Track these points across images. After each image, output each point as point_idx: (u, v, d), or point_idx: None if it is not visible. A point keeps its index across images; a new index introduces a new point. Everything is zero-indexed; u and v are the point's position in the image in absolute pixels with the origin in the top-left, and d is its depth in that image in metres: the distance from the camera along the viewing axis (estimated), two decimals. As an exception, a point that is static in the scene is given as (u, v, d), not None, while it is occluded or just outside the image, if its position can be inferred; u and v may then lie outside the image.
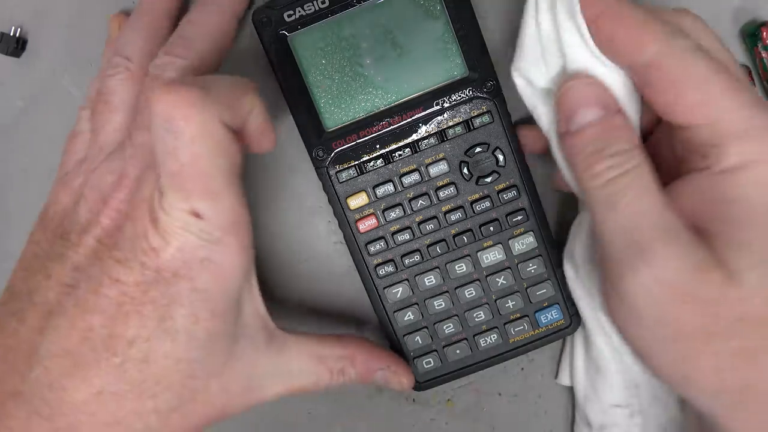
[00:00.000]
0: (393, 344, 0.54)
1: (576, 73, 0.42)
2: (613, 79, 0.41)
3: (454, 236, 0.51)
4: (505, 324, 0.53)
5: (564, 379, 0.56)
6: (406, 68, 0.49)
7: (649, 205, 0.38)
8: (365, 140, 0.50)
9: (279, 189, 0.57)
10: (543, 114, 0.45)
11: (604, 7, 0.39)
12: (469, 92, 0.49)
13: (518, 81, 0.45)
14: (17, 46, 0.55)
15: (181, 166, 0.37)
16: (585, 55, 0.41)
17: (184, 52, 0.44)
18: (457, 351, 0.53)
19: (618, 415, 0.52)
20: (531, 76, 0.44)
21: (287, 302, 0.58)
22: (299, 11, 0.47)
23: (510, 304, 0.52)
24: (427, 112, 0.50)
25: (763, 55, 0.52)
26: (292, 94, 0.49)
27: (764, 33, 0.51)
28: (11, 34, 0.56)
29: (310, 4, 0.47)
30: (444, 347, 0.53)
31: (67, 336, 0.39)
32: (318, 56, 0.49)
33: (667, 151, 0.43)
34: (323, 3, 0.47)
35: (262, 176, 0.56)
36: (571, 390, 0.56)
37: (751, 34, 0.52)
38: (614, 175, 0.39)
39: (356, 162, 0.51)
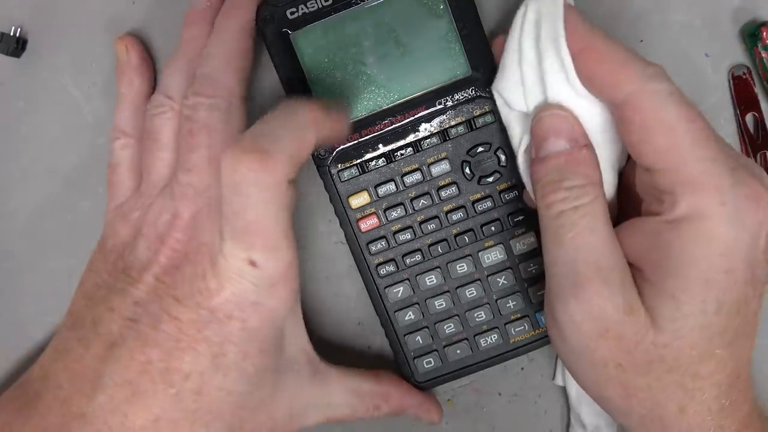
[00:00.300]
0: (393, 344, 0.52)
1: (553, 102, 0.42)
2: (590, 111, 0.42)
3: (456, 236, 0.50)
4: (505, 324, 0.51)
5: (560, 380, 0.55)
6: (409, 67, 0.48)
7: (591, 244, 0.39)
8: (367, 139, 0.49)
9: None
10: (515, 135, 0.45)
11: (588, 42, 0.39)
12: (471, 92, 0.48)
13: (497, 99, 0.46)
14: (17, 46, 0.54)
15: (246, 223, 0.39)
16: (565, 86, 0.41)
17: (211, 91, 0.45)
18: (458, 351, 0.52)
19: None
20: (508, 97, 0.44)
21: None
22: (302, 9, 0.46)
23: (511, 304, 0.51)
24: (429, 111, 0.48)
25: (763, 55, 0.51)
26: (294, 91, 0.48)
27: (764, 33, 0.50)
28: (11, 34, 0.54)
29: (313, 1, 0.45)
30: (444, 347, 0.52)
31: (127, 367, 0.42)
32: (320, 54, 0.47)
33: (632, 185, 0.44)
34: (326, 1, 0.46)
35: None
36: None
37: (751, 34, 0.51)
38: (565, 208, 0.40)
39: (358, 161, 0.49)
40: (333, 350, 0.56)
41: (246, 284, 0.40)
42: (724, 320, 0.38)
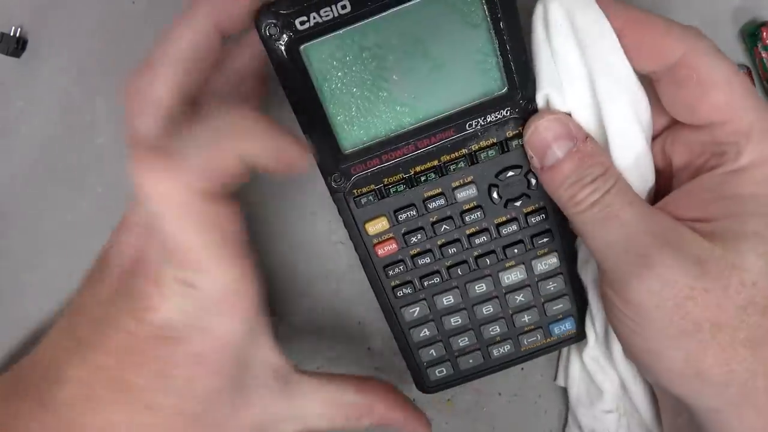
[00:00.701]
0: (406, 355, 0.49)
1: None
2: (638, 94, 0.40)
3: (477, 258, 0.45)
4: (518, 335, 0.48)
5: (561, 381, 0.53)
6: (438, 83, 0.40)
7: (637, 214, 0.38)
8: (388, 165, 0.42)
9: (279, 188, 0.53)
10: None
11: (627, 16, 0.39)
12: (506, 112, 0.41)
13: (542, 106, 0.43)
14: (17, 46, 0.52)
15: (165, 239, 0.35)
16: (608, 75, 0.39)
17: (138, 105, 0.36)
18: (470, 360, 0.49)
19: (609, 421, 0.50)
20: (553, 102, 0.41)
21: (287, 302, 0.54)
22: (314, 18, 0.37)
23: (526, 318, 0.48)
24: (458, 133, 0.41)
25: (763, 55, 0.49)
26: (304, 111, 0.40)
27: (764, 33, 0.49)
28: (11, 34, 0.52)
29: (328, 9, 0.36)
30: (457, 357, 0.49)
31: (85, 366, 0.38)
32: (335, 69, 0.39)
33: (662, 159, 0.43)
34: (344, 8, 0.36)
35: (262, 176, 0.50)
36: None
37: (751, 34, 0.49)
38: (597, 197, 0.39)
39: (377, 186, 0.43)
40: (333, 350, 0.54)
41: (187, 306, 0.36)
42: None
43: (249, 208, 0.53)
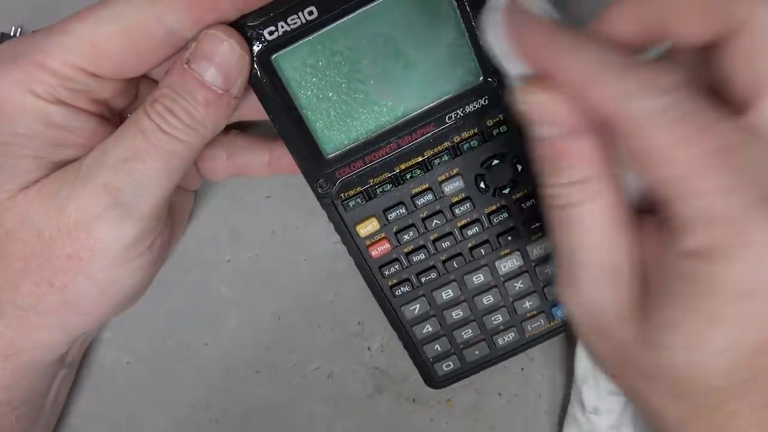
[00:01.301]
0: (411, 352, 0.49)
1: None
2: None
3: (471, 249, 0.45)
4: (522, 322, 0.48)
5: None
6: (413, 79, 0.39)
7: (590, 230, 0.32)
8: (372, 165, 0.41)
9: (278, 188, 0.52)
10: None
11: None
12: (484, 101, 0.40)
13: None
14: None
15: None
16: None
17: None
18: (476, 352, 0.48)
19: (613, 402, 0.48)
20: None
21: (286, 302, 0.53)
22: (282, 27, 0.36)
23: (527, 304, 0.47)
24: (439, 126, 0.41)
25: None
26: (283, 122, 0.39)
27: None
28: (11, 34, 0.51)
29: (296, 17, 0.36)
30: (462, 350, 0.48)
31: None
32: (309, 75, 0.38)
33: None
34: (311, 14, 0.36)
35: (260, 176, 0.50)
36: (570, 389, 0.52)
37: None
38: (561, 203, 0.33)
39: (363, 188, 0.42)
40: (333, 350, 0.53)
41: None
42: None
43: (247, 207, 0.53)
